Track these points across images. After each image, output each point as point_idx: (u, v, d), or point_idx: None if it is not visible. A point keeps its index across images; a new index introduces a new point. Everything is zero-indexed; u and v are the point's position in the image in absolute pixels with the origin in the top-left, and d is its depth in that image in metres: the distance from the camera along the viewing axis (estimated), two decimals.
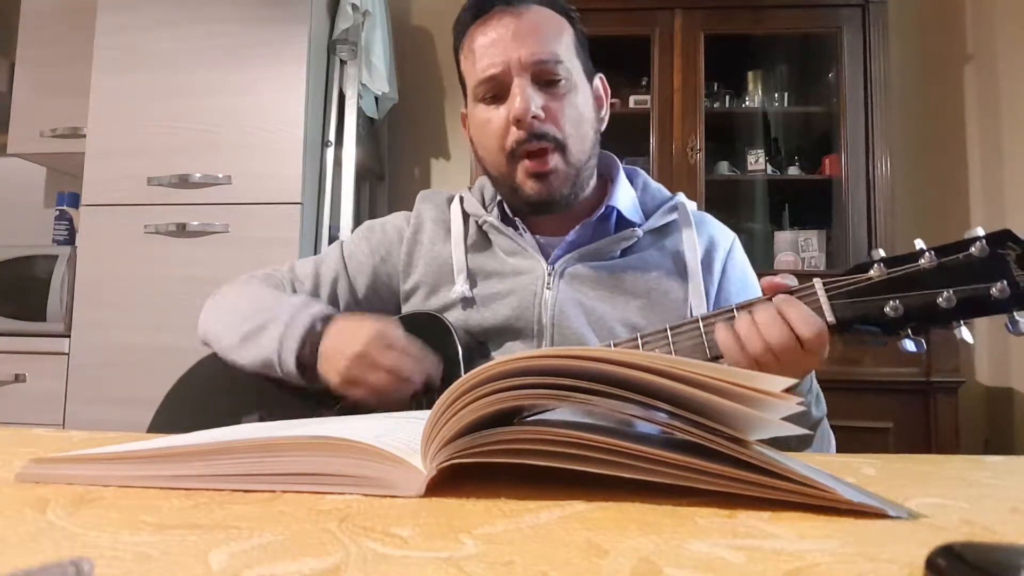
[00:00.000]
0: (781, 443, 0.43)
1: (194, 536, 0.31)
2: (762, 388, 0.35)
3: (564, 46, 0.83)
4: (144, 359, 1.84)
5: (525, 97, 0.80)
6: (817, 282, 0.64)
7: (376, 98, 2.27)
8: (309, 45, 1.94)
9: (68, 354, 1.91)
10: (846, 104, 2.02)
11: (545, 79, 0.82)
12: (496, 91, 0.82)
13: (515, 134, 0.81)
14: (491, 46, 0.82)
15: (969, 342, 0.60)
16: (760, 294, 0.90)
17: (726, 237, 0.91)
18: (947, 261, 0.59)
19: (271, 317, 0.82)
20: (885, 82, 2.01)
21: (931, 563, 0.25)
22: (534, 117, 0.80)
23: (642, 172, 0.95)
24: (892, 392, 1.78)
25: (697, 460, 0.36)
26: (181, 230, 1.89)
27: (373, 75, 2.15)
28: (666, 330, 0.69)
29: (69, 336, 1.92)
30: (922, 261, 0.60)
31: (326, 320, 0.80)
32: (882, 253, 0.62)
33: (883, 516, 0.34)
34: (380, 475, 0.39)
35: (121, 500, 0.38)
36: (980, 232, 0.58)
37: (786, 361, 0.62)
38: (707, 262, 0.87)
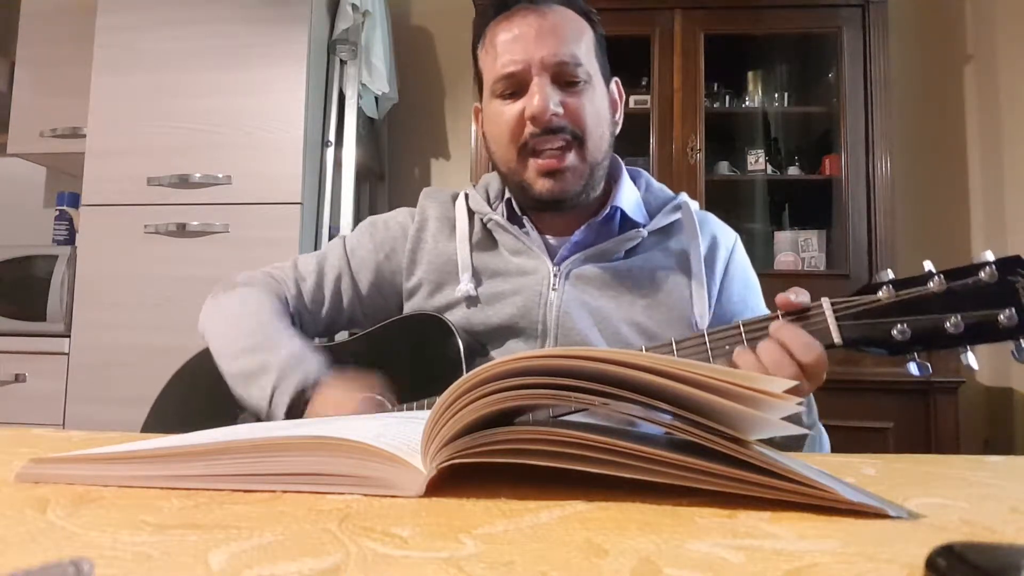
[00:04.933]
0: (774, 443, 0.43)
1: (194, 536, 0.31)
2: (762, 388, 0.35)
3: (584, 48, 0.84)
4: (144, 359, 1.84)
5: (544, 96, 0.80)
6: (825, 302, 0.64)
7: (376, 98, 2.27)
8: (309, 45, 1.94)
9: (68, 354, 1.91)
10: (846, 104, 2.02)
11: (564, 80, 0.82)
12: (514, 88, 0.83)
13: (529, 128, 0.81)
14: (513, 43, 0.82)
15: (975, 368, 0.59)
16: (760, 295, 0.90)
17: (728, 237, 0.91)
18: (955, 285, 0.58)
19: (264, 365, 0.81)
20: (885, 82, 2.01)
21: (931, 563, 0.25)
22: (552, 115, 0.80)
23: (645, 173, 0.96)
24: (892, 392, 1.78)
25: (697, 460, 0.36)
26: (181, 230, 1.89)
27: (373, 75, 2.15)
28: (671, 343, 0.68)
29: (69, 336, 1.92)
30: (931, 284, 0.59)
31: (316, 383, 0.79)
32: (891, 274, 0.62)
33: (883, 516, 0.34)
34: (380, 475, 0.39)
35: (121, 500, 0.38)
36: (990, 257, 0.57)
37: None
38: (710, 261, 0.87)
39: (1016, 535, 0.32)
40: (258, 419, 0.81)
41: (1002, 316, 0.56)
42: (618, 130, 0.90)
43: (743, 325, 0.66)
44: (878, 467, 0.50)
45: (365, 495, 0.39)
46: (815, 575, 0.26)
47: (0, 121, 2.22)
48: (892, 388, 1.78)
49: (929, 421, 1.76)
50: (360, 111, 2.14)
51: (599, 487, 0.38)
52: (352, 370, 0.81)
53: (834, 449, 0.77)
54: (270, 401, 0.78)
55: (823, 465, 0.43)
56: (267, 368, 0.80)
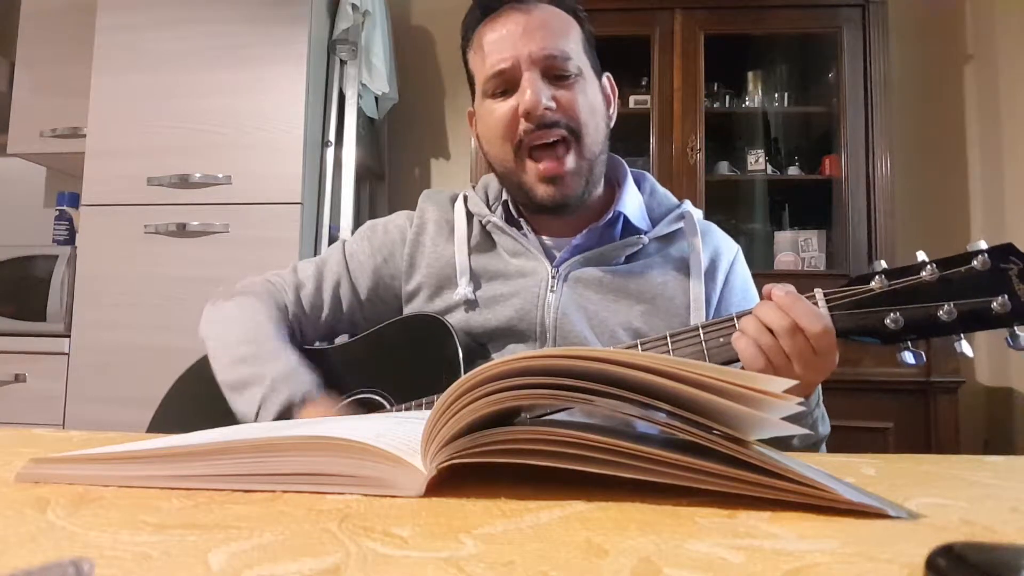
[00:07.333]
0: (783, 444, 0.43)
1: (194, 536, 0.31)
2: (762, 388, 0.35)
3: (573, 43, 0.83)
4: (144, 359, 1.84)
5: (536, 90, 0.79)
6: (818, 292, 0.64)
7: (376, 98, 2.27)
8: (309, 45, 1.94)
9: (68, 354, 1.91)
10: (846, 104, 2.02)
11: (555, 74, 0.81)
12: (506, 86, 0.82)
13: (524, 125, 0.81)
14: (500, 41, 0.82)
15: (969, 356, 0.60)
16: None
17: (730, 248, 0.91)
18: (949, 274, 0.59)
19: (256, 377, 0.81)
20: (885, 82, 2.01)
21: (931, 563, 0.25)
22: (545, 109, 0.79)
23: (649, 177, 0.95)
24: (892, 392, 1.78)
25: (697, 460, 0.36)
26: (181, 230, 1.89)
27: (373, 75, 2.15)
28: (666, 337, 0.69)
29: (69, 336, 1.92)
30: (924, 273, 0.59)
31: (304, 399, 0.80)
32: (884, 264, 0.62)
33: (883, 516, 0.34)
34: (380, 475, 0.39)
35: (121, 500, 0.38)
36: (983, 245, 0.58)
37: (799, 359, 0.62)
38: (711, 271, 0.87)
39: (1016, 535, 0.32)
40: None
41: (995, 303, 0.57)
42: (612, 124, 0.89)
43: (737, 317, 0.67)
44: (878, 467, 0.50)
45: (365, 495, 0.39)
46: (815, 575, 0.26)
47: (0, 121, 2.22)
48: (892, 388, 1.78)
49: (929, 421, 1.76)
50: (360, 111, 2.14)
51: (599, 487, 0.38)
52: (348, 375, 0.81)
53: (834, 449, 0.77)
54: (257, 413, 0.79)
55: (823, 465, 0.43)
56: (258, 379, 0.81)
